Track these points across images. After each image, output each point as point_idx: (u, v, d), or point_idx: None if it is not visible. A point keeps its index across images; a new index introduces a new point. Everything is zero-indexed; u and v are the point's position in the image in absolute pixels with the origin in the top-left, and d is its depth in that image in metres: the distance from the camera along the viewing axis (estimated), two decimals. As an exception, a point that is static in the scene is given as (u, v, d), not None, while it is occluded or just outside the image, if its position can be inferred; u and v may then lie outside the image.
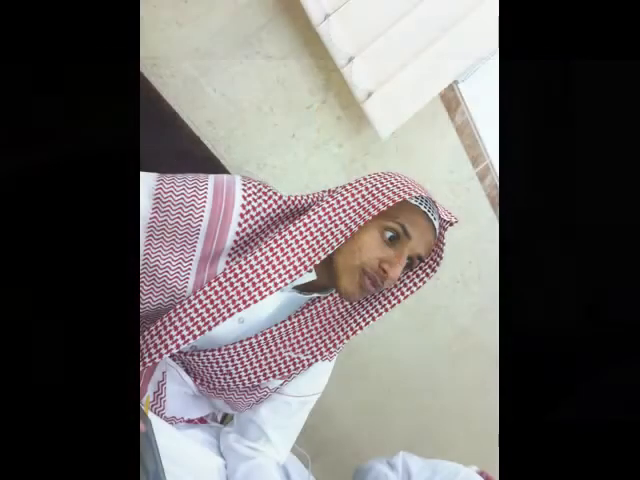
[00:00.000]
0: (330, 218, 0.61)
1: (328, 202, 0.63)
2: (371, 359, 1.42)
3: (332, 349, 0.70)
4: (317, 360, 0.70)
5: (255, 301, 0.59)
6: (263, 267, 0.59)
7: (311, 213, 0.62)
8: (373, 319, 0.70)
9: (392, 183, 0.63)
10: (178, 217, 0.59)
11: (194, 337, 0.59)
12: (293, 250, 0.60)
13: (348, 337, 0.70)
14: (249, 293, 0.59)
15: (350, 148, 1.14)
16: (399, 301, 0.70)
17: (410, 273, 0.70)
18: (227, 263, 0.62)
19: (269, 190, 0.64)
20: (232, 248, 0.62)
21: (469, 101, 1.20)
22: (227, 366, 0.67)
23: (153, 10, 0.94)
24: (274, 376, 0.69)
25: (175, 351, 0.59)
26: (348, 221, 0.61)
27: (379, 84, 1.04)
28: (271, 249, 0.60)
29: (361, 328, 0.70)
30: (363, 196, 0.62)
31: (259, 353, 0.67)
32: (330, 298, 0.71)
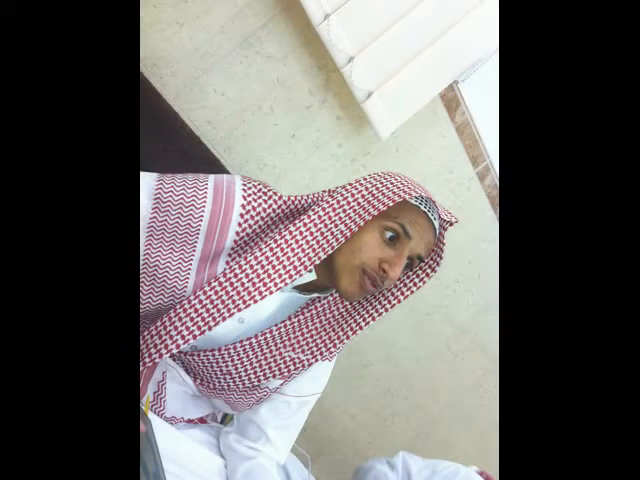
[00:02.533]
0: (330, 218, 0.61)
1: (328, 202, 0.63)
2: (371, 359, 1.42)
3: (332, 349, 0.69)
4: (317, 360, 0.70)
5: (255, 301, 0.59)
6: (263, 267, 0.59)
7: (311, 213, 0.62)
8: (373, 319, 0.70)
9: (392, 183, 0.63)
10: (178, 217, 0.59)
11: (194, 337, 0.59)
12: (293, 250, 0.60)
13: (348, 337, 0.70)
14: (249, 293, 0.59)
15: (350, 148, 1.14)
16: (399, 301, 0.70)
17: (410, 273, 0.70)
18: (227, 263, 0.62)
19: (269, 190, 0.64)
20: (232, 248, 0.62)
21: (469, 101, 1.20)
22: (227, 366, 0.67)
23: (153, 10, 0.94)
24: (274, 376, 0.69)
25: (175, 351, 0.59)
26: (348, 221, 0.61)
27: (379, 84, 1.04)
28: (271, 249, 0.60)
29: (361, 328, 0.70)
30: (363, 196, 0.62)
31: (259, 353, 0.67)
32: (330, 298, 0.70)
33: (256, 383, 0.69)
